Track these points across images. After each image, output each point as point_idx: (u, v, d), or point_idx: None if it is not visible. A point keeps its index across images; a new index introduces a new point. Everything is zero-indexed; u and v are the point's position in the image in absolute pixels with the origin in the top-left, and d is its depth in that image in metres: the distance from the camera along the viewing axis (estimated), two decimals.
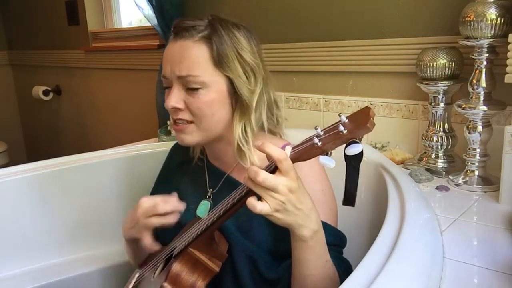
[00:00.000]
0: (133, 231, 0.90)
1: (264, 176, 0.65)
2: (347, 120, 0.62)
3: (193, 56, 0.86)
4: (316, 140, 0.63)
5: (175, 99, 0.86)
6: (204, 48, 0.87)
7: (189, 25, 0.88)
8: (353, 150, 0.61)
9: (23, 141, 3.69)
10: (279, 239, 0.84)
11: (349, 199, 0.65)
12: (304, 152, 0.65)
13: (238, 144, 0.89)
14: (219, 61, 0.86)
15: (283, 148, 0.88)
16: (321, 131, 0.64)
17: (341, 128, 0.61)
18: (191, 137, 0.89)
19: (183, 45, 0.87)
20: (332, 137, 0.62)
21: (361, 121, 0.61)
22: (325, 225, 0.83)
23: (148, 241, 0.88)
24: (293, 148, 0.67)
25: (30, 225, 1.28)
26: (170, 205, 0.86)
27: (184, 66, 0.85)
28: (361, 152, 0.61)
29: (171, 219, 0.86)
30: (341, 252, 0.86)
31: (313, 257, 0.73)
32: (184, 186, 1.00)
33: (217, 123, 0.89)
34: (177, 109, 0.87)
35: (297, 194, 0.67)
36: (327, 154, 0.64)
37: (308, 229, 0.70)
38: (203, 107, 0.86)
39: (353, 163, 0.62)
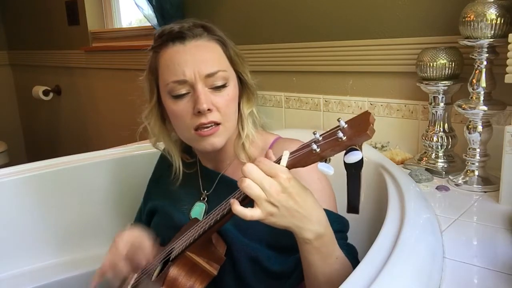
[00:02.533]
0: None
1: (250, 169, 0.65)
2: (346, 125, 0.60)
3: (215, 53, 0.87)
4: (314, 146, 0.62)
5: (207, 100, 0.83)
6: (218, 46, 0.89)
7: (185, 29, 0.87)
8: (353, 157, 0.59)
9: (23, 141, 3.69)
10: (280, 233, 0.83)
11: (353, 207, 0.63)
12: (302, 159, 0.64)
13: (245, 138, 0.90)
14: (231, 58, 0.89)
15: (274, 142, 0.88)
16: (320, 136, 0.62)
17: (340, 134, 0.59)
18: (220, 139, 0.87)
19: (198, 45, 0.86)
20: (331, 144, 0.60)
21: (360, 127, 0.59)
22: (326, 212, 0.82)
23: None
24: (290, 154, 0.66)
25: (29, 225, 1.28)
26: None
27: (211, 63, 0.85)
28: (361, 160, 0.59)
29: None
30: (346, 238, 0.86)
31: (321, 257, 0.72)
32: (177, 188, 0.99)
33: (235, 119, 0.90)
34: (208, 112, 0.83)
35: (291, 195, 0.65)
36: (325, 161, 0.62)
37: (310, 232, 0.68)
38: (230, 103, 0.87)
39: (353, 170, 0.60)
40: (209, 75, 0.84)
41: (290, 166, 0.66)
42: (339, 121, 0.60)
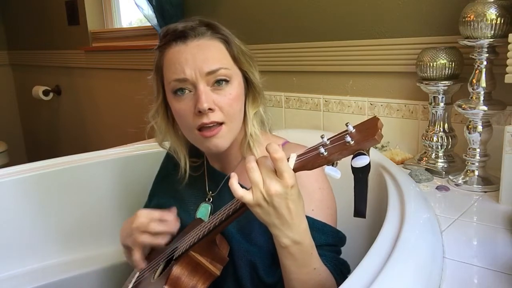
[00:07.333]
0: (127, 241, 0.90)
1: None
2: (354, 130, 0.60)
3: (217, 50, 0.86)
4: (322, 150, 0.62)
5: (207, 99, 0.82)
6: (221, 44, 0.87)
7: (188, 28, 0.87)
8: (360, 162, 0.60)
9: (23, 141, 3.69)
10: None
11: (359, 211, 0.64)
12: (309, 162, 0.64)
13: (249, 137, 0.89)
14: (234, 56, 0.88)
15: (281, 146, 0.88)
16: (327, 140, 0.62)
17: (348, 138, 0.59)
18: (224, 140, 0.86)
19: (199, 44, 0.85)
20: (339, 148, 0.61)
21: (369, 132, 0.59)
22: (323, 225, 0.82)
23: (137, 257, 0.89)
24: (298, 157, 0.66)
25: (29, 225, 1.28)
26: (164, 226, 0.87)
27: (211, 61, 0.84)
28: (369, 164, 0.60)
29: (161, 241, 0.87)
30: (339, 252, 0.86)
31: (296, 264, 0.72)
32: (183, 188, 0.99)
33: (240, 119, 0.89)
34: (209, 111, 0.82)
35: (285, 201, 0.66)
36: (332, 165, 0.62)
37: (287, 238, 0.69)
38: (233, 103, 0.85)
39: (360, 175, 0.61)
40: (210, 73, 0.83)
41: (297, 168, 0.66)
42: (347, 125, 0.61)
